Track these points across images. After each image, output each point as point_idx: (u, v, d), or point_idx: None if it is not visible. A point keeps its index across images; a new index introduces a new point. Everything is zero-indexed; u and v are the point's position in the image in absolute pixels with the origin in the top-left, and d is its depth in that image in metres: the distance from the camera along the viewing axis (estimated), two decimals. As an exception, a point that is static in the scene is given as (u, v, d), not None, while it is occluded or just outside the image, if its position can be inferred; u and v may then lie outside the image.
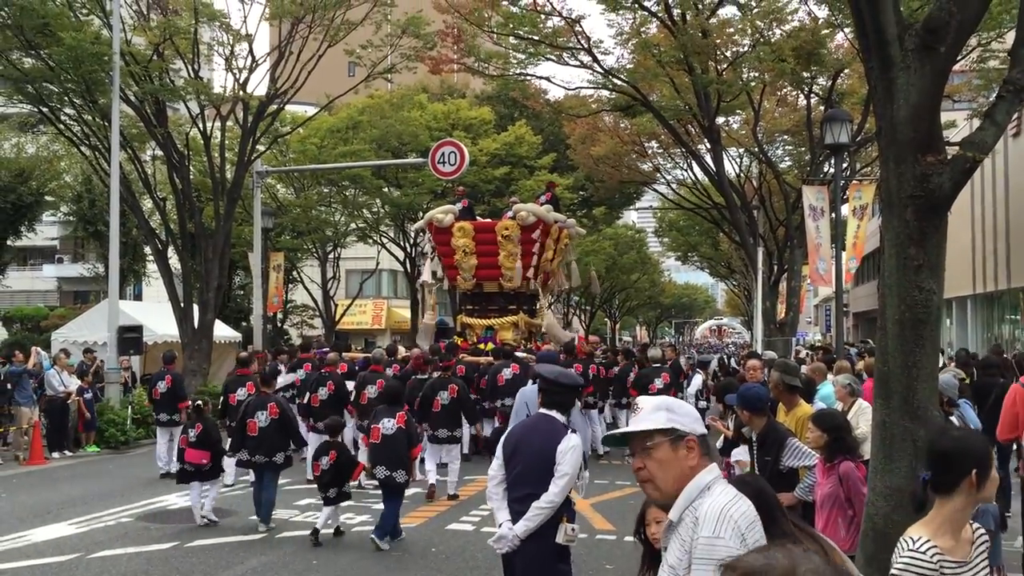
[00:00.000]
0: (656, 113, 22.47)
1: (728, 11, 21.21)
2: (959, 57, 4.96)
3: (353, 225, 31.66)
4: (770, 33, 19.98)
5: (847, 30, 18.50)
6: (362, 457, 10.40)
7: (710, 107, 21.14)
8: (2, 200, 28.07)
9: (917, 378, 4.27)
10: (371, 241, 32.93)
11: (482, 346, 16.80)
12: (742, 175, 30.46)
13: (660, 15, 19.72)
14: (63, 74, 17.64)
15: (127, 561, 8.24)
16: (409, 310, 34.72)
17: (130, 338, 17.75)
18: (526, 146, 31.63)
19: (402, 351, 16.24)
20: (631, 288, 56.06)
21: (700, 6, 19.91)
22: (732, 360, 25.86)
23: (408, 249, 31.80)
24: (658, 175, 32.74)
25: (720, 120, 23.73)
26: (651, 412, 2.76)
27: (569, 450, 4.80)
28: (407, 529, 9.17)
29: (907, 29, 4.25)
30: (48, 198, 31.56)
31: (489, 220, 19.43)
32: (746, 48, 20.93)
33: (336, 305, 34.02)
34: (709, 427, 8.85)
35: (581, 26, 20.19)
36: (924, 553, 2.94)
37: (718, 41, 20.29)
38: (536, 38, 20.48)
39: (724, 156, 23.99)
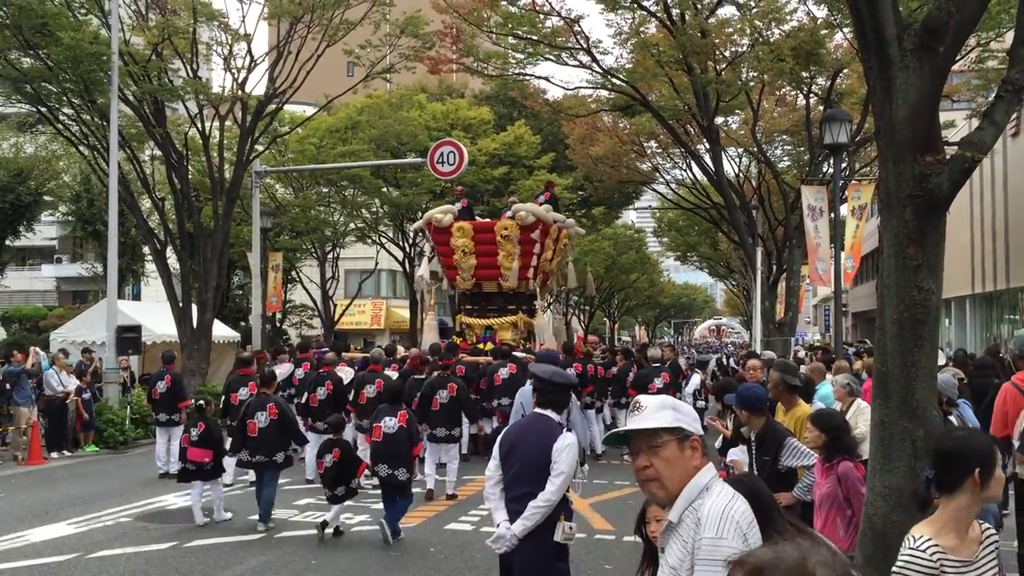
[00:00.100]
0: (655, 113, 22.47)
1: (727, 11, 21.26)
2: (958, 57, 4.96)
3: (352, 225, 31.65)
4: (769, 33, 19.98)
5: (846, 30, 18.51)
6: (362, 456, 10.41)
7: (709, 107, 21.14)
8: (1, 200, 28.09)
9: (916, 378, 4.27)
10: (370, 241, 32.92)
11: (481, 346, 16.80)
12: (741, 175, 30.47)
13: (659, 15, 19.72)
14: (62, 74, 17.63)
15: (126, 561, 8.24)
16: (408, 310, 34.71)
17: (129, 338, 17.75)
18: (525, 146, 31.62)
19: (401, 351, 16.25)
20: (630, 288, 56.05)
21: (699, 6, 19.91)
22: (731, 360, 25.87)
23: (407, 249, 31.80)
24: (657, 175, 32.74)
25: (719, 120, 23.73)
26: (657, 410, 2.75)
27: (565, 448, 4.82)
28: (406, 529, 9.17)
29: (906, 29, 4.25)
30: (47, 198, 31.56)
31: (488, 220, 19.42)
32: (745, 48, 20.94)
33: (335, 305, 34.02)
34: (708, 427, 8.88)
35: (580, 26, 20.20)
36: (924, 552, 2.94)
37: (717, 41, 20.29)
38: (535, 38, 20.47)
39: (723, 156, 23.98)
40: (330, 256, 32.96)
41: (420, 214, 25.76)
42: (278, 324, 33.75)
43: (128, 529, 9.58)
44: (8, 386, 14.84)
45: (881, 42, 4.27)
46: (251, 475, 10.81)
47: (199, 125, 21.00)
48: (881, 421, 4.38)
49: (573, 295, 33.06)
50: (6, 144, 30.98)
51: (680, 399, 3.31)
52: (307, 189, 30.72)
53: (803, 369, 9.40)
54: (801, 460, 5.61)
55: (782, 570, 1.71)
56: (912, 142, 4.24)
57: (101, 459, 15.25)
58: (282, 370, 13.30)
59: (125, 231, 27.03)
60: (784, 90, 24.92)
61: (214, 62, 22.00)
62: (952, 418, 6.49)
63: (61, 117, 19.76)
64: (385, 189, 29.64)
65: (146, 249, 27.18)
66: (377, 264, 34.90)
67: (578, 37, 20.29)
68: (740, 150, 29.51)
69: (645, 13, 19.92)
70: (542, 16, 20.20)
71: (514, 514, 4.79)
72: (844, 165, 19.77)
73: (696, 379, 15.94)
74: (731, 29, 21.14)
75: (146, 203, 23.92)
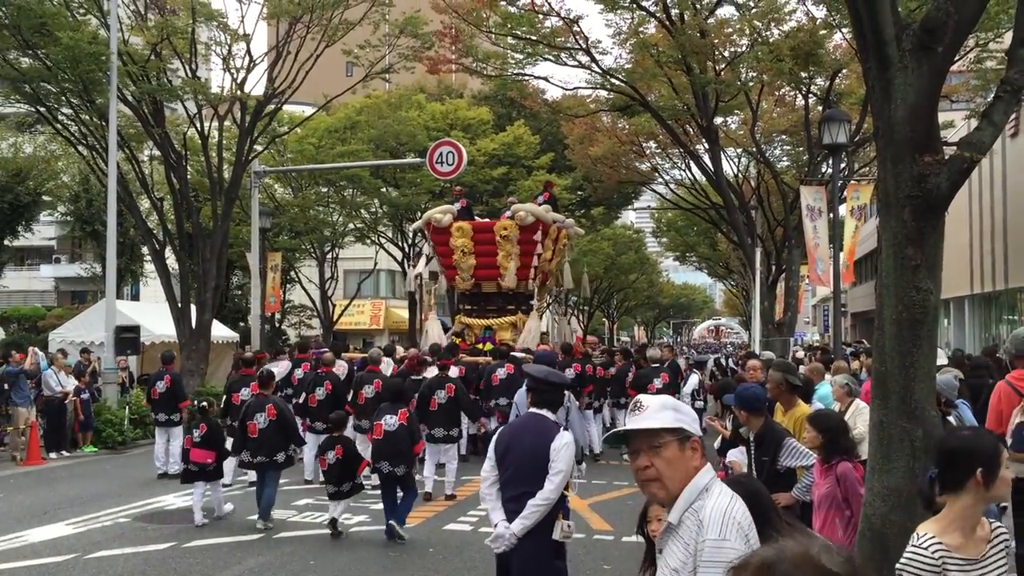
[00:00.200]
0: (654, 113, 22.47)
1: (726, 11, 21.25)
2: (957, 57, 4.96)
3: (351, 225, 31.64)
4: (768, 33, 19.98)
5: (845, 30, 18.51)
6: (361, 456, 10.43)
7: (708, 107, 21.13)
8: (-1, 200, 28.07)
9: (914, 378, 4.26)
10: (369, 241, 32.91)
11: (480, 346, 16.79)
12: (740, 175, 30.46)
13: (658, 15, 19.71)
14: (60, 74, 17.62)
15: (124, 561, 8.23)
16: (407, 310, 34.70)
17: (127, 338, 17.75)
18: (524, 146, 31.62)
19: (400, 351, 16.24)
20: (629, 288, 56.08)
21: (698, 6, 19.91)
22: (730, 360, 25.86)
23: (406, 249, 31.80)
24: (656, 175, 32.73)
25: (718, 120, 23.73)
26: (658, 411, 2.74)
27: (563, 447, 4.85)
28: (405, 529, 9.15)
29: (905, 29, 4.25)
30: (45, 198, 31.55)
31: (487, 220, 19.42)
32: (744, 48, 20.93)
33: (334, 305, 34.01)
34: (707, 427, 8.89)
35: (579, 26, 20.19)
36: (926, 549, 2.95)
37: (716, 41, 20.28)
38: (534, 38, 20.46)
39: (722, 156, 23.98)
40: (329, 256, 32.95)
41: (419, 214, 25.76)
42: (277, 324, 33.74)
43: (127, 529, 9.57)
44: (7, 386, 14.83)
45: (880, 42, 4.27)
46: (250, 475, 10.82)
47: (198, 125, 21.00)
48: (880, 421, 4.37)
49: (572, 295, 33.03)
50: (5, 144, 30.96)
51: (678, 399, 3.30)
52: (306, 189, 30.71)
53: (802, 369, 9.40)
54: (800, 460, 5.61)
55: (788, 562, 1.72)
56: (911, 142, 4.24)
57: (100, 459, 15.24)
58: (280, 369, 13.31)
59: (124, 231, 27.02)
60: (783, 90, 24.91)
61: (213, 62, 21.99)
62: (951, 419, 6.49)
63: (60, 117, 19.75)
64: (384, 189, 29.63)
65: (145, 249, 27.15)
66: (376, 264, 34.90)
67: (577, 37, 20.29)
68: (739, 150, 29.50)
69: (644, 13, 19.91)
70: (541, 16, 20.19)
71: (512, 513, 4.80)
72: (843, 165, 19.78)
73: (694, 379, 15.94)
74: (730, 29, 21.14)
75: (145, 203, 23.92)
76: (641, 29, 20.84)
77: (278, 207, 29.00)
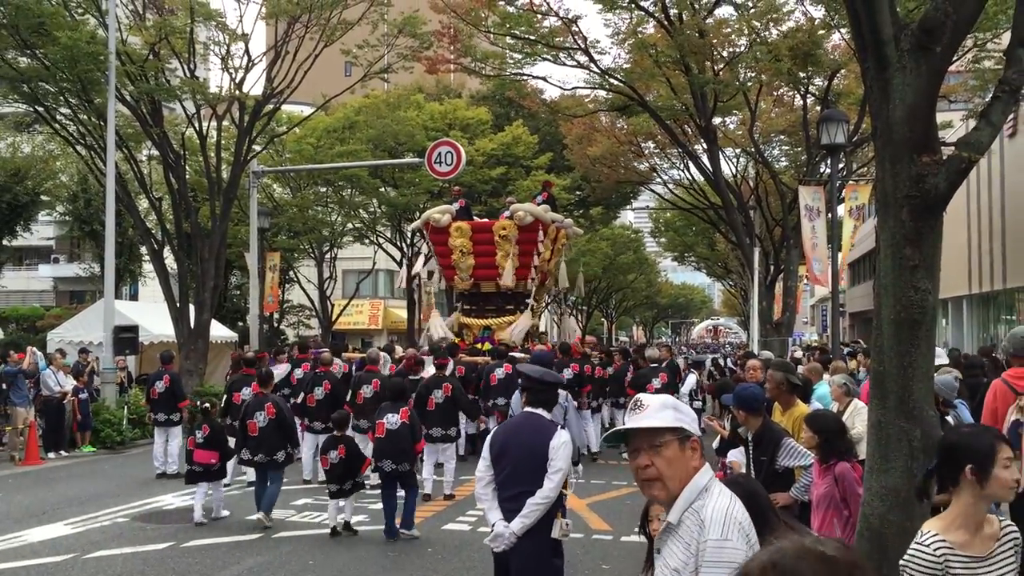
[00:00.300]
0: (653, 113, 22.47)
1: (725, 11, 21.25)
2: (955, 57, 4.96)
3: (350, 225, 31.63)
4: (767, 33, 19.98)
5: (843, 30, 18.51)
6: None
7: (707, 107, 21.14)
8: (-2, 200, 28.04)
9: (913, 378, 4.27)
10: (368, 241, 32.91)
11: (479, 346, 16.79)
12: (738, 175, 30.47)
13: (657, 15, 19.71)
14: (59, 73, 17.61)
15: (123, 561, 8.23)
16: (406, 310, 34.71)
17: (126, 338, 17.74)
18: (523, 146, 31.62)
19: (399, 351, 16.24)
20: (628, 288, 56.10)
21: (697, 6, 19.91)
22: (728, 360, 25.88)
23: (405, 249, 31.81)
24: (655, 175, 32.73)
25: (716, 120, 23.72)
26: (659, 410, 2.73)
27: (561, 446, 4.89)
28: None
29: (903, 29, 4.25)
30: (44, 198, 31.52)
31: (486, 220, 19.41)
32: (743, 48, 20.93)
33: (332, 305, 34.00)
34: (706, 427, 8.90)
35: (578, 26, 20.18)
36: (928, 546, 2.95)
37: (715, 41, 20.28)
38: (532, 38, 20.45)
39: (720, 156, 23.98)
40: (328, 256, 32.94)
41: (418, 214, 25.75)
42: (276, 324, 33.73)
43: (125, 529, 9.57)
44: (5, 386, 14.82)
45: (878, 42, 4.28)
46: (249, 475, 10.83)
47: (196, 125, 20.99)
48: (878, 421, 4.38)
49: (570, 295, 33.12)
50: (3, 144, 30.95)
51: (677, 399, 3.31)
52: (305, 189, 30.70)
53: (800, 369, 9.41)
54: (798, 460, 5.62)
55: (790, 556, 1.75)
56: (909, 142, 4.24)
57: (98, 459, 15.23)
58: (279, 370, 13.32)
59: (122, 231, 27.03)
60: (781, 90, 24.92)
61: (211, 62, 21.97)
62: (949, 419, 6.50)
63: (58, 117, 19.73)
64: (383, 189, 29.63)
65: (143, 249, 27.17)
66: (375, 264, 34.89)
67: (576, 37, 20.29)
68: (738, 150, 29.50)
69: (643, 13, 19.90)
70: (540, 16, 20.19)
71: (510, 513, 4.81)
72: (841, 165, 19.78)
73: (692, 379, 15.94)
74: (729, 29, 21.14)
75: (143, 203, 23.91)
76: (640, 29, 20.83)
77: (276, 207, 28.99)
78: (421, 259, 19.11)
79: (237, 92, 20.45)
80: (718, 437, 8.11)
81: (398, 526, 9.05)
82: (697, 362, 26.37)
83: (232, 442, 10.28)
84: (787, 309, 26.63)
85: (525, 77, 23.99)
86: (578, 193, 34.07)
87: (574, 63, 21.01)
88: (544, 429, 4.95)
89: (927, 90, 4.23)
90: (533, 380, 5.09)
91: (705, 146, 23.09)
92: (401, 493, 9.14)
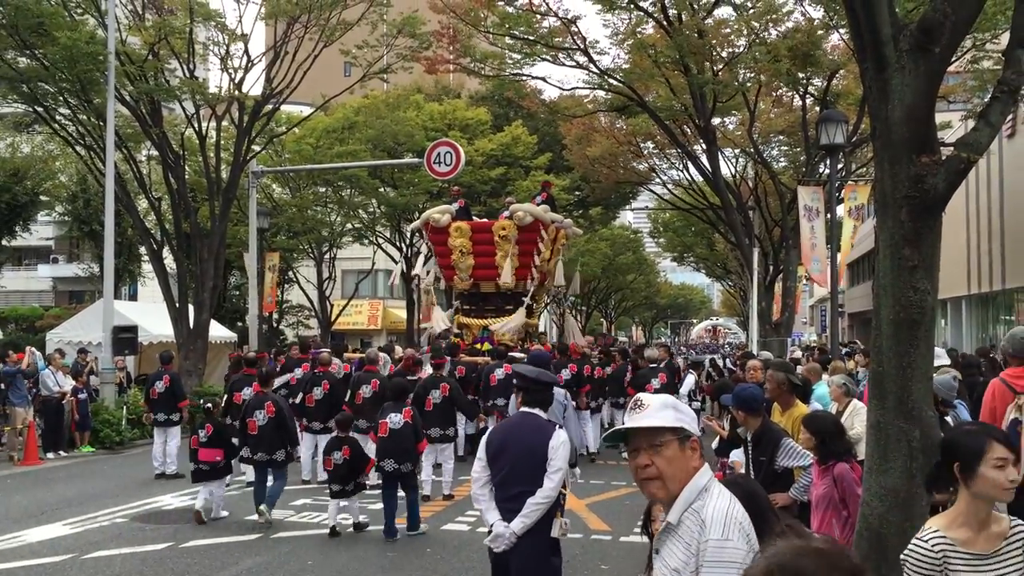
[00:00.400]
0: (652, 114, 22.47)
1: (724, 11, 21.25)
2: (954, 58, 4.97)
3: (349, 225, 31.63)
4: (766, 34, 19.99)
5: (842, 31, 18.52)
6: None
7: (706, 107, 21.14)
8: (-3, 200, 28.02)
9: (912, 378, 4.27)
10: (367, 241, 32.91)
11: (479, 346, 16.78)
12: (738, 176, 30.47)
13: (656, 15, 19.71)
14: (58, 74, 17.61)
15: (122, 562, 8.23)
16: (405, 310, 34.71)
17: (125, 338, 17.73)
18: (522, 146, 31.63)
19: (399, 351, 16.24)
20: (627, 289, 56.10)
21: (696, 6, 19.91)
22: (727, 361, 25.88)
23: (404, 250, 31.80)
24: (654, 175, 32.74)
25: (716, 121, 23.72)
26: (659, 409, 2.73)
27: (560, 445, 4.91)
28: (402, 529, 9.16)
29: (902, 30, 4.26)
30: (43, 198, 31.50)
31: (486, 220, 19.40)
32: (742, 49, 20.94)
33: (332, 305, 33.99)
34: (705, 428, 8.90)
35: (577, 26, 20.18)
36: (927, 542, 2.96)
37: (714, 41, 20.28)
38: (532, 38, 20.45)
39: (720, 156, 23.99)
40: (327, 256, 32.94)
41: (417, 214, 25.75)
42: (275, 324, 33.71)
43: (124, 529, 9.57)
44: (4, 386, 14.81)
45: (877, 43, 4.28)
46: (248, 475, 10.83)
47: (196, 125, 20.99)
48: (877, 422, 4.38)
49: (570, 295, 33.07)
50: (2, 144, 30.94)
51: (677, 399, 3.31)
52: (304, 189, 30.69)
53: (799, 370, 9.42)
54: (797, 460, 5.62)
55: (790, 556, 1.78)
56: (908, 143, 4.24)
57: (97, 459, 15.23)
58: (281, 380, 13.31)
59: (122, 231, 27.02)
60: (781, 91, 24.93)
61: (211, 62, 21.97)
62: (948, 419, 6.50)
63: (57, 117, 19.73)
64: (382, 189, 29.63)
65: (143, 249, 27.17)
66: (374, 264, 34.89)
67: (575, 37, 20.29)
68: (737, 151, 29.51)
69: (642, 13, 19.90)
70: (539, 16, 20.19)
71: (509, 513, 4.81)
72: (840, 166, 19.78)
73: (691, 380, 15.93)
74: (728, 30, 21.15)
75: (143, 203, 23.90)
76: (639, 29, 20.83)
77: (276, 207, 28.99)
78: (421, 259, 19.09)
79: (236, 92, 20.45)
80: (717, 438, 8.11)
81: (399, 527, 9.06)
82: (696, 363, 26.35)
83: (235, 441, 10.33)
84: (786, 309, 26.65)
85: (524, 77, 24.00)
86: (577, 193, 34.08)
87: (573, 63, 21.02)
88: (542, 429, 4.96)
89: (926, 90, 4.24)
90: (529, 380, 5.10)
91: (704, 146, 23.10)
92: (401, 494, 9.15)
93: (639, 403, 2.78)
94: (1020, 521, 3.06)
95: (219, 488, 10.11)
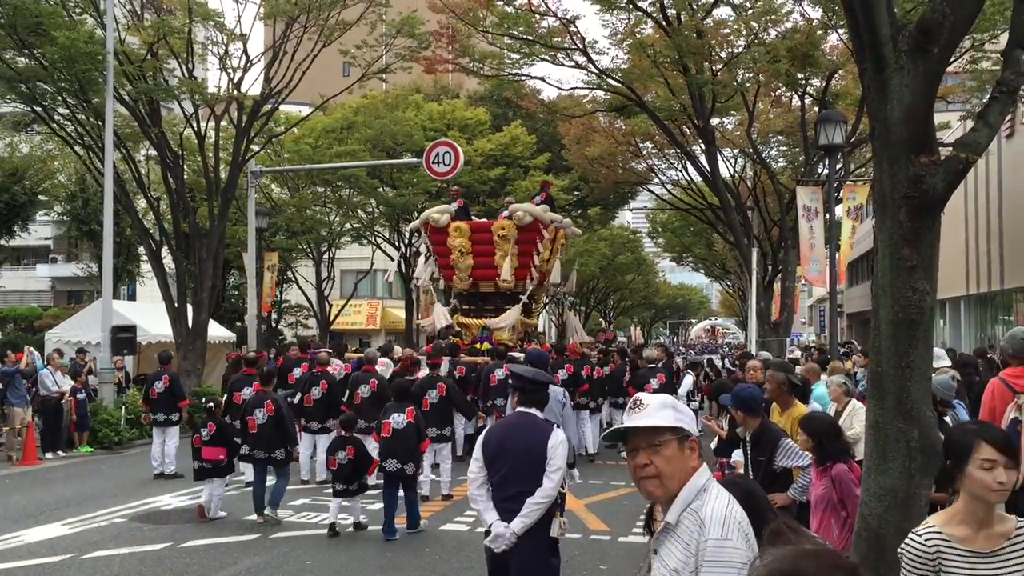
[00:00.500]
0: (651, 114, 22.48)
1: (723, 12, 21.26)
2: (952, 58, 4.97)
3: (348, 225, 31.63)
4: (765, 34, 20.00)
5: (841, 31, 18.54)
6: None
7: (705, 108, 21.15)
8: (-4, 200, 28.02)
9: (911, 379, 4.27)
10: (366, 241, 32.89)
11: (478, 346, 16.78)
12: (736, 176, 30.49)
13: (655, 15, 19.72)
14: (57, 73, 17.60)
15: (120, 562, 8.23)
16: (404, 310, 34.71)
17: (124, 338, 17.72)
18: (521, 146, 31.63)
19: (398, 351, 16.24)
20: (626, 289, 56.12)
21: (695, 7, 19.92)
22: (726, 361, 25.88)
23: (403, 250, 31.79)
24: (652, 175, 32.75)
25: (714, 121, 23.74)
26: (658, 409, 2.74)
27: (559, 444, 4.92)
28: (401, 529, 9.16)
29: (901, 30, 4.25)
30: (42, 198, 31.52)
31: (485, 220, 19.40)
32: (741, 49, 20.95)
33: (330, 305, 33.98)
34: (704, 428, 8.90)
35: (576, 26, 20.21)
36: (921, 536, 2.98)
37: (713, 42, 20.29)
38: (531, 38, 20.47)
39: (718, 157, 23.99)
40: (326, 256, 32.93)
41: (416, 214, 25.76)
42: (274, 324, 33.69)
43: (123, 530, 9.57)
44: (2, 386, 14.80)
45: (876, 43, 4.28)
46: (247, 475, 10.82)
47: (194, 125, 20.98)
48: (876, 422, 4.38)
49: (566, 294, 33.11)
50: (1, 144, 30.92)
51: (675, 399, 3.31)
52: (303, 189, 30.68)
53: (798, 370, 9.43)
54: (796, 460, 5.62)
55: (789, 560, 1.82)
56: (907, 143, 4.24)
57: (96, 459, 15.22)
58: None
59: (120, 231, 27.01)
60: (779, 91, 24.95)
61: (210, 62, 21.97)
62: (947, 419, 6.51)
63: (56, 117, 19.72)
64: (381, 189, 29.63)
65: (141, 249, 27.17)
66: (373, 264, 34.87)
67: (574, 37, 20.31)
68: (735, 151, 29.53)
69: (641, 14, 19.92)
70: (538, 16, 20.20)
71: (508, 513, 4.81)
72: (839, 166, 19.80)
73: (689, 381, 15.95)
74: (727, 30, 21.16)
75: (141, 203, 23.89)
76: (638, 30, 20.84)
77: (275, 207, 28.97)
78: (422, 260, 19.07)
79: (235, 92, 20.44)
80: (716, 438, 8.12)
81: (399, 526, 9.07)
82: (694, 363, 26.35)
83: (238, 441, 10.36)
84: (785, 309, 26.66)
85: (523, 77, 24.02)
86: (576, 193, 34.10)
87: (572, 63, 21.04)
88: (540, 428, 4.96)
89: (925, 91, 4.24)
90: (525, 380, 5.10)
91: (703, 146, 23.11)
92: (401, 493, 9.16)
93: (638, 403, 2.78)
94: None
95: (218, 488, 10.12)
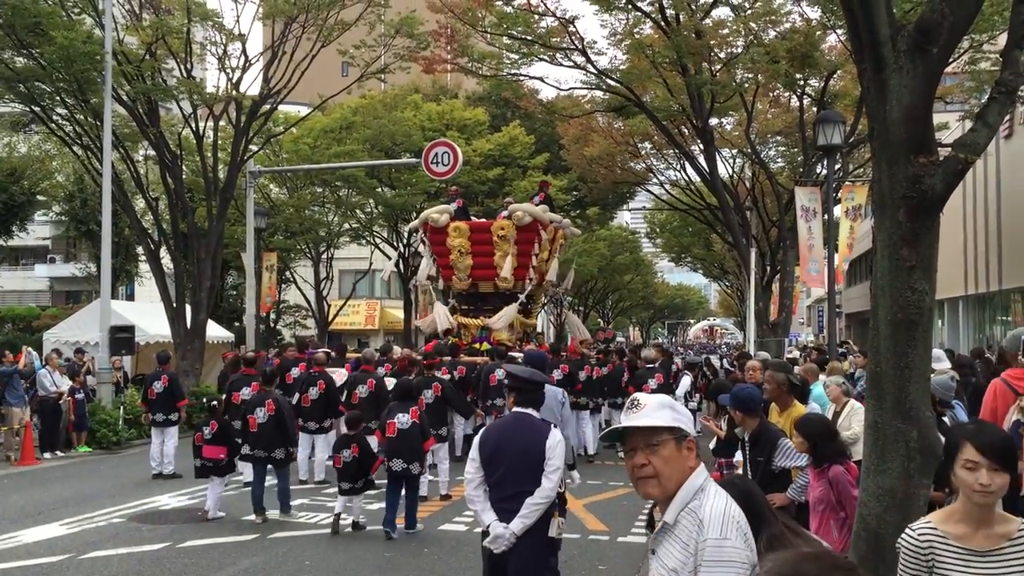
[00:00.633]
0: (649, 114, 22.49)
1: (722, 12, 21.28)
2: (951, 59, 4.97)
3: (346, 225, 31.63)
4: (764, 34, 20.01)
5: (840, 31, 18.55)
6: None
7: (703, 108, 21.16)
8: (-6, 199, 28.01)
9: (910, 379, 4.27)
10: (364, 241, 32.89)
11: (477, 346, 16.77)
12: (735, 176, 30.51)
13: (654, 16, 19.73)
14: (55, 73, 17.59)
15: (119, 562, 8.22)
16: (402, 310, 34.71)
17: (122, 338, 17.70)
18: (519, 146, 31.62)
19: (398, 351, 16.23)
20: (624, 289, 56.13)
21: (694, 7, 19.93)
22: (724, 361, 25.88)
23: (402, 250, 31.78)
24: (651, 176, 32.76)
25: (713, 121, 23.75)
26: (656, 409, 2.74)
27: (557, 444, 4.92)
28: (400, 529, 9.16)
29: (900, 30, 4.25)
30: (40, 197, 31.50)
31: (485, 220, 19.38)
32: (740, 49, 20.96)
33: (329, 305, 33.97)
34: (703, 428, 8.90)
35: (575, 26, 20.23)
36: (914, 531, 2.99)
37: (712, 42, 20.31)
38: (529, 38, 20.48)
39: (717, 157, 24.00)
40: (324, 256, 32.93)
41: (415, 215, 25.73)
42: (272, 324, 33.69)
43: (121, 530, 9.56)
44: (0, 386, 14.78)
45: (875, 43, 4.28)
46: (246, 475, 10.82)
47: (193, 125, 20.97)
48: (875, 422, 4.38)
49: (563, 292, 33.13)
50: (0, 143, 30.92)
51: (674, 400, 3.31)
52: (301, 189, 30.68)
53: (797, 370, 9.44)
54: (795, 461, 5.62)
55: (791, 564, 1.84)
56: (906, 143, 4.24)
57: (94, 460, 15.21)
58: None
59: (119, 231, 26.97)
60: (778, 91, 24.96)
61: (208, 62, 21.96)
62: (946, 419, 6.51)
63: (55, 117, 19.71)
64: (380, 189, 29.62)
65: (140, 249, 27.14)
66: (371, 264, 34.85)
67: (572, 37, 20.31)
68: (734, 151, 29.55)
69: (640, 14, 19.93)
70: (537, 16, 20.21)
71: (507, 513, 4.80)
72: (838, 166, 19.82)
73: (686, 381, 15.93)
74: (726, 30, 21.18)
75: (140, 203, 23.87)
76: (636, 30, 20.86)
77: (273, 207, 28.97)
78: (424, 262, 19.02)
79: (234, 92, 20.44)
80: (715, 438, 8.12)
81: (400, 526, 9.07)
82: (691, 364, 26.31)
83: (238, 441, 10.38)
84: (783, 310, 26.65)
85: (522, 77, 24.02)
86: (575, 193, 34.11)
87: (571, 63, 21.05)
88: (538, 429, 4.96)
89: (924, 91, 4.24)
90: (521, 380, 5.10)
91: (702, 147, 23.12)
92: (402, 493, 9.18)
93: (636, 403, 2.78)
94: None
95: (218, 488, 10.12)
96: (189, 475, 11.14)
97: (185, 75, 20.02)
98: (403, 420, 9.08)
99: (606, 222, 43.06)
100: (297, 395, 12.43)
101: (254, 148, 22.40)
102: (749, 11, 20.12)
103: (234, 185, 21.22)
